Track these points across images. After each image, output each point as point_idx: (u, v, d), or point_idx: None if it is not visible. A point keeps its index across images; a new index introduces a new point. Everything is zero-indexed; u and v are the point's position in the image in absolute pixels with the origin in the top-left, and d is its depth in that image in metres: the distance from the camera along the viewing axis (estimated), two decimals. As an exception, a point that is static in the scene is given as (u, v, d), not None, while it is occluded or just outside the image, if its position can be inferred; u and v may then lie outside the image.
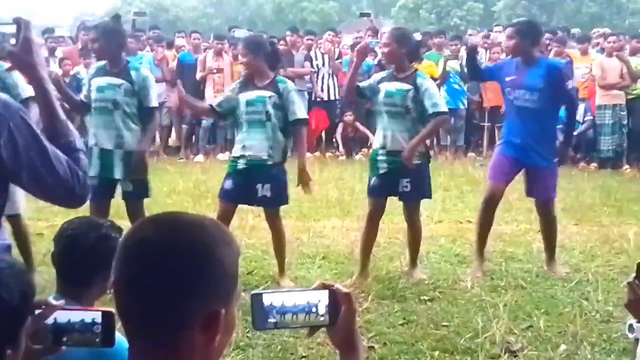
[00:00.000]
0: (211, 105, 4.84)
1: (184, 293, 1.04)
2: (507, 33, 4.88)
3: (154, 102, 4.67)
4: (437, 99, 4.58)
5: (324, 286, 1.25)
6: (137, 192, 4.67)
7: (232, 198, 4.59)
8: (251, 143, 4.50)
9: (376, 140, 4.73)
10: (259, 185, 4.50)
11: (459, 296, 4.40)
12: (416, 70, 4.64)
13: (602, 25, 18.06)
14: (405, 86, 4.53)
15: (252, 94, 4.53)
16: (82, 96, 4.75)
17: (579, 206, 6.83)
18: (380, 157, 4.61)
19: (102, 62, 4.78)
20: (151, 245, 1.06)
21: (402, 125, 4.54)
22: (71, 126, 1.77)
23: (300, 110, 4.56)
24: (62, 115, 1.77)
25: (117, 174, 4.58)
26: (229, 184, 4.57)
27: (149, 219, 1.15)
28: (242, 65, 4.80)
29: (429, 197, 4.76)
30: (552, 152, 4.85)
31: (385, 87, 4.60)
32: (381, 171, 4.60)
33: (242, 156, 4.53)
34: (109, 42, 4.56)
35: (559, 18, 32.48)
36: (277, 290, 1.26)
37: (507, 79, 4.81)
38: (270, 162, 4.51)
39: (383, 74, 4.85)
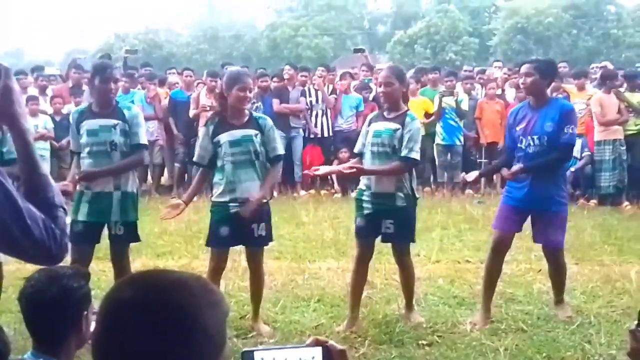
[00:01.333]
0: (201, 170, 4.71)
1: None
2: (524, 70, 4.69)
3: (143, 139, 4.68)
4: (415, 146, 4.47)
5: (317, 342, 1.22)
6: (127, 235, 4.65)
7: (227, 243, 4.55)
8: (243, 184, 4.46)
9: (361, 180, 4.71)
10: (254, 226, 4.47)
11: (458, 340, 4.35)
12: (407, 110, 4.63)
13: (599, 60, 18.26)
14: (394, 125, 4.53)
15: (236, 134, 4.49)
16: (71, 145, 4.74)
17: (579, 245, 6.80)
18: (365, 198, 4.59)
19: (85, 105, 4.77)
20: (129, 309, 1.03)
21: (387, 165, 4.51)
22: (52, 181, 1.74)
23: (281, 146, 4.66)
24: (43, 170, 1.74)
25: (115, 216, 4.55)
26: (223, 230, 4.50)
27: (129, 279, 1.12)
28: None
29: (413, 240, 4.69)
30: (562, 197, 4.71)
31: (374, 127, 4.60)
32: (365, 212, 4.57)
33: (233, 199, 4.47)
34: (105, 84, 4.54)
35: (556, 53, 32.86)
36: (269, 348, 1.23)
37: (518, 128, 4.70)
38: (264, 201, 4.50)
39: (373, 114, 4.87)
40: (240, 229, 4.49)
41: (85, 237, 4.48)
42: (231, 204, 4.47)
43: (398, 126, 4.51)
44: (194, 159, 4.76)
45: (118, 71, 4.95)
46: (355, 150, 4.77)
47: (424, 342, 4.32)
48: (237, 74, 4.65)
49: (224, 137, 4.48)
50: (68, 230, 1.70)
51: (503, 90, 11.15)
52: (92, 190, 4.54)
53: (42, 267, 2.10)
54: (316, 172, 4.93)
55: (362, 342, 4.31)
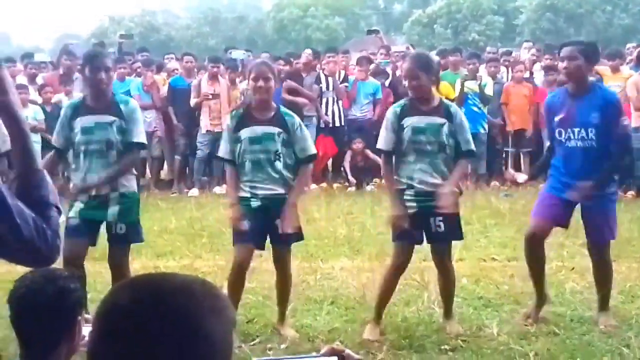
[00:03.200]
0: (231, 166, 4.64)
1: None
2: (567, 53, 4.56)
3: (139, 137, 4.65)
4: (469, 135, 4.57)
5: (333, 351, 1.23)
6: (128, 235, 4.67)
7: (250, 240, 4.53)
8: (262, 184, 4.49)
9: (401, 176, 4.56)
10: (278, 222, 4.48)
11: (484, 345, 4.35)
12: (441, 98, 4.58)
13: (636, 39, 18.13)
14: (438, 120, 4.45)
15: (257, 130, 4.50)
16: (55, 140, 4.70)
17: (616, 240, 6.72)
18: (407, 196, 4.50)
19: (79, 99, 4.76)
20: (127, 315, 1.03)
21: (435, 163, 4.47)
22: (47, 178, 1.74)
23: (310, 145, 4.60)
24: (39, 165, 1.75)
25: (111, 217, 4.56)
26: (245, 225, 4.48)
27: (128, 282, 1.12)
28: None
29: (461, 237, 4.71)
30: (612, 192, 4.71)
31: (411, 122, 4.48)
32: (410, 211, 4.49)
33: (254, 195, 4.50)
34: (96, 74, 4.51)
35: (589, 32, 32.65)
36: (280, 358, 1.23)
37: (556, 118, 4.63)
38: (286, 196, 4.52)
39: (398, 107, 4.64)
40: (265, 226, 4.52)
41: (79, 231, 4.49)
42: (252, 200, 4.51)
43: (444, 120, 4.45)
44: (221, 154, 4.67)
45: (110, 59, 4.90)
46: (384, 147, 4.61)
47: (447, 347, 4.32)
48: (254, 62, 4.78)
49: (245, 133, 4.51)
50: (61, 231, 1.71)
51: (531, 73, 11.09)
52: (87, 193, 4.56)
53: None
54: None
55: (379, 347, 4.32)
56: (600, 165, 4.55)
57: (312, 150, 4.62)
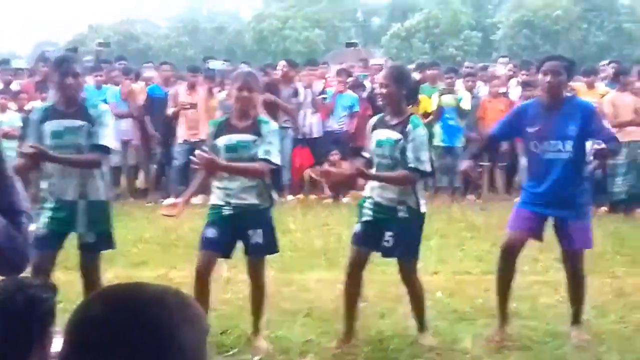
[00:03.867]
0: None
1: None
2: (550, 67, 4.58)
3: (104, 140, 4.51)
4: (422, 155, 4.42)
5: None
6: (99, 243, 4.62)
7: (216, 247, 4.51)
8: (239, 194, 4.48)
9: (366, 187, 4.73)
10: (250, 232, 4.48)
11: (457, 358, 4.35)
12: (411, 114, 4.59)
13: (611, 56, 18.38)
14: (395, 135, 4.48)
15: (233, 138, 4.51)
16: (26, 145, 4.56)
17: (589, 255, 6.75)
18: (367, 205, 4.60)
19: (50, 103, 4.70)
20: (99, 326, 1.01)
21: (393, 173, 4.50)
22: (19, 184, 1.71)
23: (275, 153, 4.53)
24: (9, 172, 1.71)
25: (80, 227, 4.51)
26: (211, 232, 4.48)
27: (99, 293, 1.10)
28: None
29: (415, 257, 4.62)
30: (584, 203, 4.73)
31: (376, 135, 4.59)
32: (364, 218, 4.58)
33: (227, 203, 4.49)
34: (66, 79, 4.45)
35: (564, 48, 33.04)
36: None
37: (530, 130, 4.63)
38: (261, 207, 4.52)
39: (375, 119, 4.79)
40: (237, 235, 4.52)
41: (46, 243, 4.41)
42: (225, 208, 4.50)
43: (399, 136, 4.45)
44: None
45: (80, 64, 4.80)
46: (367, 155, 4.78)
47: (421, 361, 4.31)
48: (238, 73, 4.81)
49: (222, 141, 4.53)
50: (31, 239, 1.67)
51: (507, 88, 11.19)
52: (55, 197, 4.47)
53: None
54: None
55: (354, 359, 4.30)
56: (577, 175, 4.60)
57: (274, 158, 4.50)
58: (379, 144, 4.55)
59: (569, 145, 4.54)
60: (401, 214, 4.47)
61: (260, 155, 4.47)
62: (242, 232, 4.49)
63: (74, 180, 4.49)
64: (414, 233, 4.55)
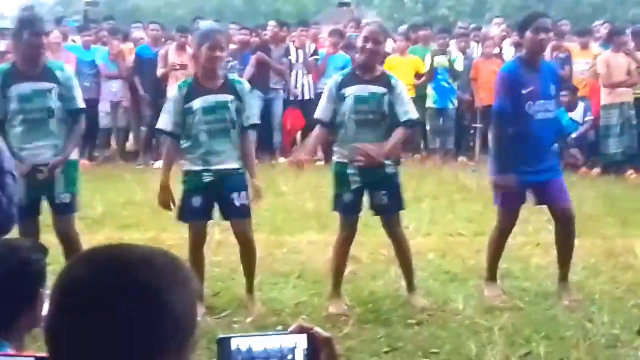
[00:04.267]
0: (172, 140, 4.54)
1: (123, 347, 0.97)
2: (544, 25, 4.53)
3: (81, 103, 4.59)
4: (410, 105, 4.56)
5: (301, 329, 1.21)
6: (73, 204, 4.58)
7: (203, 215, 4.50)
8: (218, 155, 4.40)
9: (338, 152, 4.60)
10: (234, 195, 4.43)
11: (449, 319, 4.37)
12: (383, 69, 4.63)
13: (605, 17, 18.26)
14: (379, 89, 4.46)
15: (209, 99, 4.39)
16: None
17: (580, 217, 6.69)
18: (350, 171, 4.51)
19: (8, 64, 4.57)
20: (84, 289, 0.99)
21: (377, 134, 4.47)
22: (2, 144, 1.67)
23: (256, 114, 4.57)
24: None
25: (59, 187, 4.46)
26: (196, 201, 4.43)
27: (86, 255, 1.07)
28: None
29: (403, 207, 4.69)
30: (558, 160, 4.88)
31: (353, 92, 4.46)
32: (353, 186, 4.52)
33: (206, 169, 4.41)
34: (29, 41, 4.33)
35: (558, 9, 32.81)
36: (247, 335, 1.21)
37: (524, 91, 4.54)
38: (241, 170, 4.48)
39: (333, 81, 4.61)
40: (217, 200, 4.47)
41: (26, 211, 4.34)
42: (205, 174, 4.42)
43: (384, 89, 4.45)
44: (163, 126, 4.49)
45: (41, 24, 4.68)
46: (324, 118, 4.56)
47: (413, 321, 4.34)
48: (207, 31, 4.54)
49: (197, 103, 4.37)
50: (16, 198, 1.64)
51: (501, 49, 11.10)
52: (29, 163, 4.36)
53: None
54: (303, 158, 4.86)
55: (345, 321, 4.32)
56: (555, 134, 4.74)
57: (257, 119, 4.57)
58: (362, 100, 4.45)
59: (551, 105, 4.61)
60: (389, 170, 4.51)
61: (246, 123, 4.46)
62: (223, 195, 4.44)
63: (49, 143, 4.43)
64: (400, 185, 4.62)
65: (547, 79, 4.62)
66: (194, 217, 4.48)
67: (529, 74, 4.57)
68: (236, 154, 4.45)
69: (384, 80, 4.51)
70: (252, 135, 4.67)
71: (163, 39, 10.87)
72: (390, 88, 4.48)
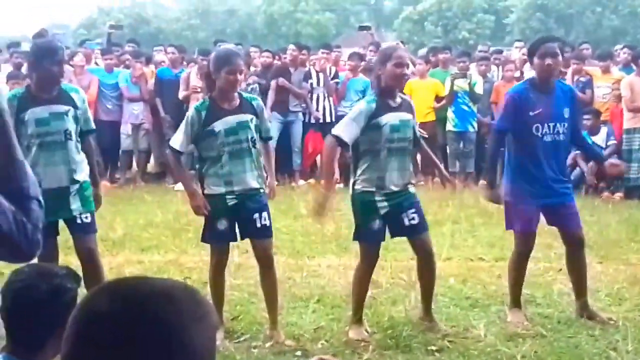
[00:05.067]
0: (180, 157, 4.68)
1: None
2: (553, 50, 4.51)
3: (92, 124, 4.75)
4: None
5: None
6: (94, 223, 4.60)
7: (227, 238, 4.49)
8: (240, 175, 4.39)
9: (367, 182, 4.48)
10: (256, 215, 4.41)
11: (471, 346, 4.31)
12: (404, 94, 4.70)
13: (625, 40, 18.18)
14: (407, 116, 4.52)
15: (230, 120, 4.37)
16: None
17: (603, 242, 6.75)
18: (378, 198, 4.46)
19: (22, 89, 4.58)
20: (103, 322, 0.97)
21: (407, 161, 4.56)
22: (28, 169, 1.67)
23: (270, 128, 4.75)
24: (19, 156, 1.67)
25: (75, 210, 4.47)
26: (220, 224, 4.41)
27: (105, 287, 1.06)
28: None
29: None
30: (570, 185, 4.88)
31: (386, 120, 4.40)
32: (382, 212, 4.46)
33: (230, 192, 4.39)
34: (43, 65, 4.36)
35: (578, 32, 32.76)
36: None
37: (532, 113, 4.56)
38: (262, 191, 4.50)
39: (366, 106, 4.44)
40: (240, 221, 4.45)
41: (45, 232, 4.36)
42: (228, 196, 4.39)
43: (410, 115, 4.54)
44: (177, 146, 4.45)
45: (62, 51, 4.71)
46: (347, 140, 4.39)
47: (434, 348, 4.28)
48: (225, 55, 4.52)
49: (219, 125, 4.33)
50: (41, 224, 1.64)
51: (522, 73, 11.06)
52: (45, 188, 4.21)
53: (27, 262, 2.06)
54: None
55: (366, 346, 4.27)
56: (566, 156, 4.84)
57: (272, 132, 4.64)
58: (396, 128, 4.42)
59: (564, 128, 4.58)
60: (412, 189, 4.56)
61: (264, 135, 4.56)
62: (246, 216, 4.42)
63: (65, 167, 4.44)
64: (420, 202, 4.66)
65: (561, 102, 4.60)
66: (218, 239, 4.47)
67: (539, 96, 4.59)
68: (257, 174, 4.45)
69: (408, 106, 4.57)
70: (271, 147, 4.73)
71: (185, 62, 10.97)
72: (413, 114, 4.61)
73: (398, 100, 4.50)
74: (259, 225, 4.42)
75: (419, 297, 4.90)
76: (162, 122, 10.50)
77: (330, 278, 5.66)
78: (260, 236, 4.48)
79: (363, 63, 11.00)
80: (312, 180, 10.35)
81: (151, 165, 11.24)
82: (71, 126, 4.45)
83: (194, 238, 6.94)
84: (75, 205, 4.46)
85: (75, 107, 4.48)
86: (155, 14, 48.66)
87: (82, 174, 4.53)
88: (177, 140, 4.47)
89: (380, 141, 4.40)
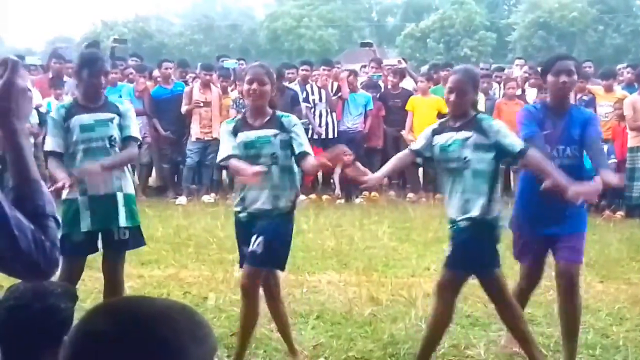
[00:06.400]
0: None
1: None
2: (566, 67, 4.21)
3: (136, 132, 4.62)
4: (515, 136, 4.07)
5: None
6: (133, 240, 4.56)
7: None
8: (252, 192, 4.18)
9: (453, 207, 4.08)
10: (252, 238, 4.11)
11: (471, 364, 4.29)
12: (476, 114, 4.14)
13: (628, 59, 18.23)
14: (463, 135, 4.02)
15: (250, 135, 4.22)
16: (50, 144, 4.44)
17: (604, 261, 6.74)
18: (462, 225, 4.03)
19: (70, 100, 4.68)
20: (103, 343, 0.97)
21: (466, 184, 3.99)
22: (44, 188, 1.68)
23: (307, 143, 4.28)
24: (36, 175, 1.69)
25: (122, 220, 4.43)
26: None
27: (103, 308, 1.06)
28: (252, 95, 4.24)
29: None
30: (583, 214, 4.36)
31: (439, 140, 4.11)
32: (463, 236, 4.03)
33: (244, 208, 4.21)
34: (93, 74, 4.44)
35: (580, 50, 32.87)
36: None
37: (543, 133, 4.25)
38: (276, 212, 4.18)
39: (437, 127, 4.22)
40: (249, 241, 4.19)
41: (83, 248, 4.39)
42: (242, 214, 4.25)
43: (470, 134, 4.01)
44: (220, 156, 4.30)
45: (108, 63, 4.87)
46: (418, 151, 4.20)
47: (433, 366, 4.26)
48: (249, 66, 4.61)
49: (240, 138, 4.21)
50: (59, 243, 1.65)
51: (523, 91, 11.09)
52: (90, 194, 4.37)
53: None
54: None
55: (365, 364, 4.25)
56: (580, 181, 4.17)
57: (309, 149, 4.23)
58: (444, 148, 4.07)
59: (575, 151, 4.26)
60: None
61: (298, 150, 4.17)
62: (250, 237, 4.23)
63: (112, 173, 4.41)
64: None
65: (574, 124, 4.28)
66: (242, 260, 4.30)
67: (551, 117, 4.32)
68: (273, 194, 4.17)
69: (473, 125, 4.08)
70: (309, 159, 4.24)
71: (187, 77, 11.00)
72: (484, 131, 4.06)
73: (463, 120, 4.12)
74: (251, 247, 4.12)
75: (419, 314, 4.90)
76: (162, 139, 10.52)
77: (330, 294, 5.64)
78: (248, 262, 4.17)
79: (364, 79, 11.06)
80: (313, 196, 10.36)
81: (153, 179, 11.26)
82: (115, 133, 4.48)
83: (194, 253, 6.96)
84: (122, 216, 4.43)
85: (119, 115, 4.52)
86: (158, 29, 48.88)
87: (129, 185, 4.53)
88: (224, 150, 4.30)
89: (436, 159, 4.19)
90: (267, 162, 4.12)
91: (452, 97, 4.08)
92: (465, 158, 3.97)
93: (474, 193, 3.95)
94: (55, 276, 1.97)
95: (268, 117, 4.26)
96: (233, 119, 4.47)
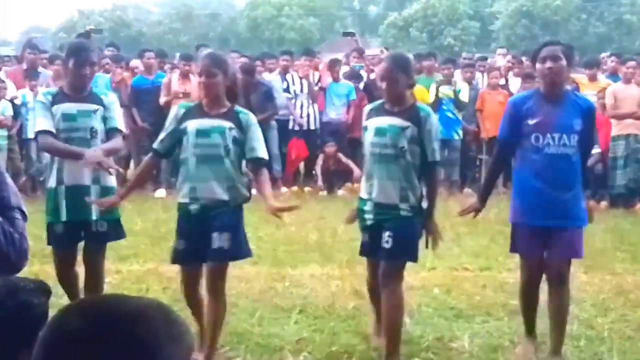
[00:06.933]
0: (154, 152, 4.38)
1: None
2: (551, 53, 4.18)
3: (121, 125, 4.62)
4: (437, 145, 4.20)
5: None
6: (111, 232, 4.56)
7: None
8: (205, 179, 4.10)
9: (363, 189, 4.32)
10: (215, 234, 4.05)
11: (455, 357, 4.31)
12: (415, 102, 4.26)
13: (611, 48, 18.36)
14: (402, 122, 4.11)
15: (205, 123, 4.13)
16: (43, 124, 4.40)
17: (588, 251, 6.69)
18: (367, 208, 4.27)
19: (55, 88, 4.68)
20: (76, 342, 0.95)
21: (393, 172, 4.14)
22: (8, 179, 1.65)
23: (262, 148, 4.25)
24: (0, 167, 1.66)
25: (96, 212, 4.41)
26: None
27: (77, 306, 1.04)
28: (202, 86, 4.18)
29: (414, 260, 4.27)
30: (583, 209, 4.31)
31: (374, 123, 4.21)
32: (368, 222, 4.29)
33: (194, 199, 4.13)
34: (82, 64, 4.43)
35: (563, 39, 33.03)
36: None
37: (530, 121, 4.21)
38: (232, 205, 4.13)
39: (370, 107, 4.43)
40: (201, 235, 4.12)
41: (68, 239, 4.44)
42: (192, 204, 4.15)
43: (407, 124, 4.11)
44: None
45: (96, 53, 4.84)
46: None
47: (417, 359, 4.27)
48: (200, 57, 4.59)
49: (192, 125, 4.11)
50: (27, 234, 1.62)
51: (507, 80, 11.13)
52: (66, 185, 4.40)
53: None
54: None
55: (349, 357, 4.26)
56: (577, 175, 4.26)
57: (263, 154, 4.24)
58: (381, 132, 4.16)
59: (574, 140, 4.19)
60: (404, 213, 4.20)
61: (249, 155, 4.16)
62: (207, 233, 4.15)
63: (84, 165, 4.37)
64: (416, 232, 4.30)
65: (570, 112, 4.21)
66: (177, 259, 4.47)
67: (543, 104, 4.25)
68: (226, 185, 4.14)
69: (411, 114, 4.20)
70: (264, 172, 4.38)
71: (166, 67, 10.91)
72: (419, 123, 4.17)
73: (401, 107, 4.24)
74: (214, 246, 4.05)
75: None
76: (140, 131, 10.44)
77: (313, 288, 5.64)
78: (213, 258, 4.09)
79: (347, 69, 11.04)
80: (295, 188, 10.34)
81: (131, 172, 11.17)
82: (98, 125, 4.46)
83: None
84: (96, 209, 4.39)
85: (104, 106, 4.50)
86: (136, 18, 48.52)
87: (107, 177, 4.48)
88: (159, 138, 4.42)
89: (365, 144, 4.41)
90: (220, 153, 4.07)
91: (384, 85, 4.25)
92: (402, 147, 4.12)
93: (409, 182, 4.16)
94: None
95: (225, 109, 4.17)
96: (188, 104, 4.42)
